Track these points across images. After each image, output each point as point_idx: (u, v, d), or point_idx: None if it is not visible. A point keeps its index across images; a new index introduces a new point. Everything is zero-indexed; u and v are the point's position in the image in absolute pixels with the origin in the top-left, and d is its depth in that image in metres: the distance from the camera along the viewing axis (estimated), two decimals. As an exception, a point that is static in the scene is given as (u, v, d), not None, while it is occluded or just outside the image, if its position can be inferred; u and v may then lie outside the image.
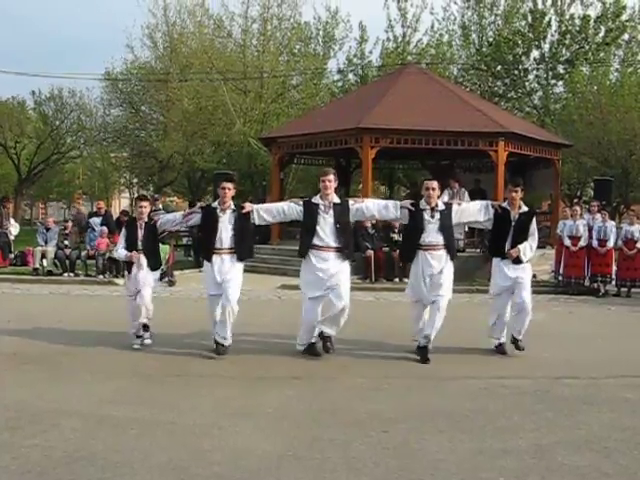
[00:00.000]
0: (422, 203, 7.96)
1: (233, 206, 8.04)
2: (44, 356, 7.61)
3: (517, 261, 8.09)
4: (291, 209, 8.04)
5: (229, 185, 8.09)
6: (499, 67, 32.52)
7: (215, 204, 8.20)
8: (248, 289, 13.56)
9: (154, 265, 8.48)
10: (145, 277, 8.35)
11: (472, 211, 8.21)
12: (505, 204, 8.23)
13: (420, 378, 7.02)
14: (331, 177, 7.91)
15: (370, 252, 16.10)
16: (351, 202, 8.06)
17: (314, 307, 7.83)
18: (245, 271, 8.10)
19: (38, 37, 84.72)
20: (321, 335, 7.96)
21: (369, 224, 16.51)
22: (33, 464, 4.55)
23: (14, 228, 17.63)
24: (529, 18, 32.07)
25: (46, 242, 16.83)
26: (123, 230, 8.72)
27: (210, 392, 6.39)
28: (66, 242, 16.83)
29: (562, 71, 32.20)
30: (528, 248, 8.14)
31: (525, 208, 8.29)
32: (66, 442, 4.99)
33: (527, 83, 33.12)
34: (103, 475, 4.37)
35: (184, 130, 29.40)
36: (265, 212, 8.14)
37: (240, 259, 8.00)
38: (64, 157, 44.52)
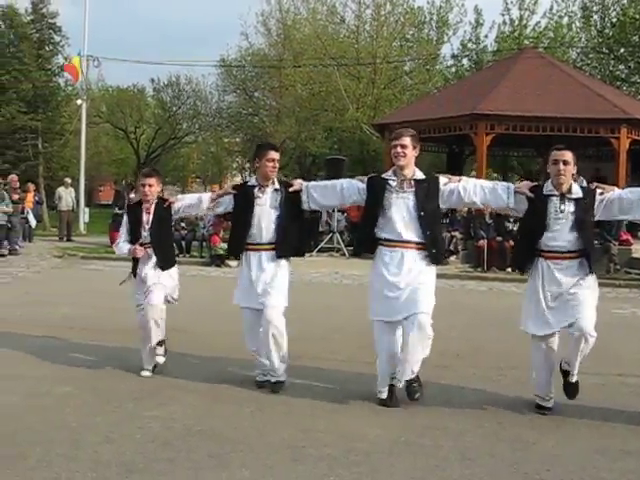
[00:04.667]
0: (547, 186, 5.41)
1: (277, 184, 6.01)
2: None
3: None
4: (351, 187, 5.76)
5: (277, 155, 6.00)
6: (622, 50, 31.16)
7: (252, 181, 6.16)
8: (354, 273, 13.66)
9: (165, 263, 6.28)
10: (154, 279, 6.22)
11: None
12: None
13: (535, 370, 6.86)
14: (406, 140, 5.51)
15: (483, 242, 15.85)
16: (443, 180, 5.61)
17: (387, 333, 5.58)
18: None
19: (156, 26, 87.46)
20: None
21: (487, 212, 16.22)
22: (156, 435, 4.74)
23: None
24: (659, -5, 30.51)
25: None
26: (124, 217, 6.56)
27: (325, 374, 6.45)
28: (182, 224, 17.36)
29: (694, 52, 30.54)
30: None
31: None
32: (185, 416, 5.16)
33: (654, 66, 31.60)
34: (221, 450, 4.50)
35: (297, 116, 29.76)
36: (318, 192, 5.93)
37: (281, 256, 5.92)
38: (180, 142, 45.89)
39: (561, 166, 5.28)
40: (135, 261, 6.29)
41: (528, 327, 5.47)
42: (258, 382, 6.01)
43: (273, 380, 5.91)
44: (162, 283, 6.22)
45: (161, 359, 6.27)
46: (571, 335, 5.25)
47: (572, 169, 5.33)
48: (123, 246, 6.32)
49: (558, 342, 5.48)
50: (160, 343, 6.23)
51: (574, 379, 5.46)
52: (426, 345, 5.40)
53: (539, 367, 5.51)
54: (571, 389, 5.52)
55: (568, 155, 5.31)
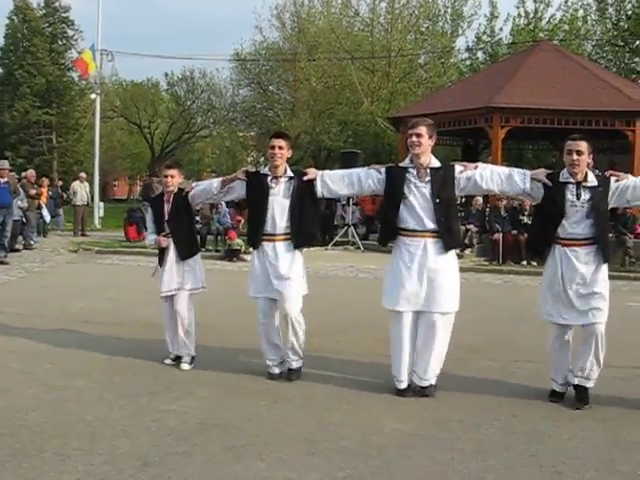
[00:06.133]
0: (563, 174, 5.48)
1: (290, 173, 5.99)
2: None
3: None
4: (369, 177, 5.76)
5: (281, 142, 5.93)
6: (638, 42, 30.86)
7: (265, 169, 6.13)
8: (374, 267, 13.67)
9: (183, 252, 6.38)
10: (178, 275, 6.38)
11: None
12: None
13: (551, 364, 6.83)
14: (422, 130, 5.55)
15: (498, 235, 15.82)
16: (459, 168, 5.66)
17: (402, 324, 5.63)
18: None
19: (170, 19, 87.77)
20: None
21: (502, 205, 16.22)
22: (171, 428, 4.76)
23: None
24: (675, -14, 30.14)
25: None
26: (149, 210, 6.80)
27: (341, 367, 6.44)
28: (197, 218, 17.40)
29: None
30: None
31: None
32: (201, 409, 5.18)
33: (670, 59, 31.29)
34: (236, 443, 4.51)
35: (311, 109, 29.81)
36: (333, 180, 5.88)
37: (297, 246, 5.96)
38: (194, 136, 46.04)
39: (574, 156, 5.35)
40: (161, 252, 6.44)
41: (544, 314, 5.58)
42: (270, 374, 6.05)
43: (289, 367, 6.05)
44: (186, 288, 6.37)
45: (185, 366, 6.37)
46: (585, 340, 5.45)
47: (586, 159, 5.38)
48: (150, 237, 6.57)
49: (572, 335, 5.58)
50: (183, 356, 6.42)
51: (584, 383, 5.54)
52: (445, 342, 5.66)
53: (555, 354, 5.60)
54: (580, 394, 5.55)
55: (582, 145, 5.37)
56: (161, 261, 6.45)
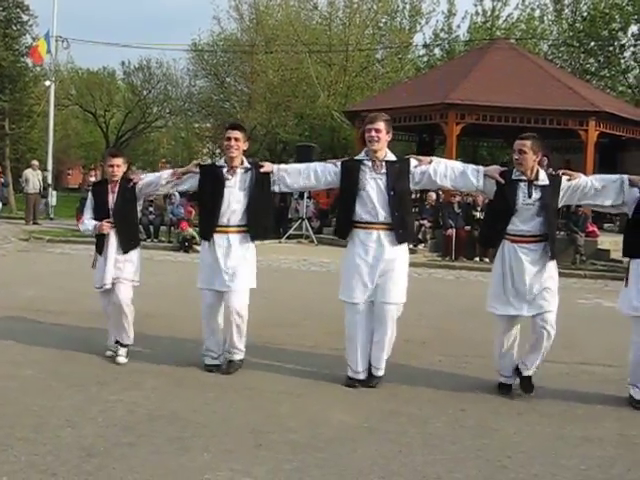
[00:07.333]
0: (515, 172, 5.51)
1: (247, 164, 5.95)
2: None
3: None
4: (326, 171, 5.78)
5: (237, 134, 5.84)
6: (592, 43, 31.35)
7: (221, 162, 6.10)
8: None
9: (128, 244, 6.16)
10: (116, 267, 6.11)
11: (602, 194, 5.54)
12: None
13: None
14: (380, 125, 5.61)
15: (451, 231, 15.94)
16: (414, 162, 5.67)
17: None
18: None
19: (127, 7, 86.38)
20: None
21: (456, 201, 16.37)
22: (118, 419, 4.71)
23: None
24: (629, -10, 30.64)
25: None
26: (89, 196, 6.44)
27: (291, 360, 6.43)
28: (150, 209, 17.26)
29: (662, 48, 30.78)
30: None
31: None
32: (148, 400, 5.13)
33: (622, 61, 31.79)
34: (182, 434, 4.47)
35: (268, 102, 29.63)
36: (289, 174, 5.89)
37: (254, 239, 5.96)
38: (150, 126, 45.50)
39: (517, 155, 5.44)
40: (100, 240, 6.18)
41: (493, 308, 5.63)
42: (207, 366, 5.96)
43: (229, 358, 5.95)
44: (126, 278, 6.14)
45: (122, 360, 6.13)
46: (535, 329, 5.49)
47: (531, 157, 5.43)
48: (88, 223, 6.22)
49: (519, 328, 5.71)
50: (125, 346, 6.21)
51: (530, 373, 5.65)
52: (394, 330, 5.67)
53: (503, 348, 5.66)
54: (526, 383, 5.67)
55: (526, 144, 5.42)
56: (100, 249, 6.18)
